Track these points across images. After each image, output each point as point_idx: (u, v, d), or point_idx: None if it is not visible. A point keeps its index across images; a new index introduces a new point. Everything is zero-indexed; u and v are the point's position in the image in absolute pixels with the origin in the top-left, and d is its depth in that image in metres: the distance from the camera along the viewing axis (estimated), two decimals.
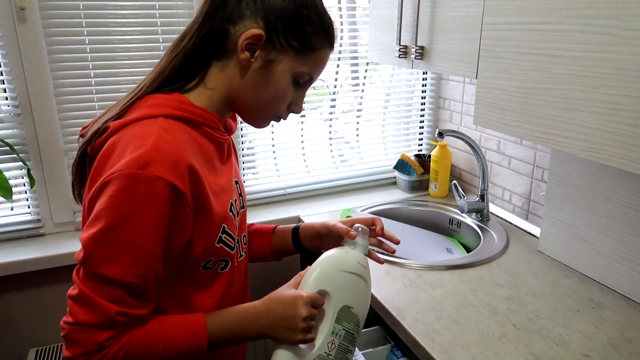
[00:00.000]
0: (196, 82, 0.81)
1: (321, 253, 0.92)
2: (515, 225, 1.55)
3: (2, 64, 1.36)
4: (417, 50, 1.35)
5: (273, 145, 1.82)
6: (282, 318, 0.79)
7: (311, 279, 0.85)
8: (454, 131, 1.49)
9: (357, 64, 1.86)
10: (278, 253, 1.08)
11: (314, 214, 1.69)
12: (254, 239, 1.07)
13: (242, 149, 1.75)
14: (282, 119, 0.88)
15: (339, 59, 1.84)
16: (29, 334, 1.50)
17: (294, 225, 1.08)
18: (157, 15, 1.46)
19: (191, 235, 0.76)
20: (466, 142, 1.51)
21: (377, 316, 1.18)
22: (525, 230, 1.52)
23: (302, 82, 0.83)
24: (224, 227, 0.82)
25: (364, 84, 1.92)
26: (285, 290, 0.84)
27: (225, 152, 0.88)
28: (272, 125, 1.78)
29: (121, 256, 0.68)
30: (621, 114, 0.82)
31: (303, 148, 1.88)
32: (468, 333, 1.03)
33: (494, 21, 1.07)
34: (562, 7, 0.90)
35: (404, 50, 1.41)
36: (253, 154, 1.80)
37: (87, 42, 1.41)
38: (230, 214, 0.84)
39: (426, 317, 1.09)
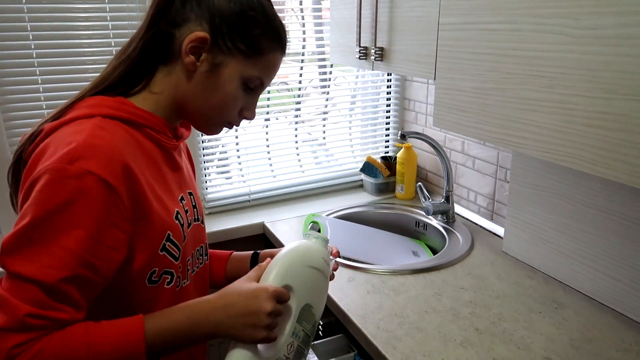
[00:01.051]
0: (141, 87, 0.78)
1: None
2: (481, 226, 1.55)
3: None
4: (377, 52, 1.33)
5: (237, 150, 1.78)
6: (243, 313, 0.71)
7: (274, 272, 0.77)
8: (416, 133, 1.48)
9: (324, 66, 1.83)
10: (233, 280, 1.02)
11: (280, 219, 1.65)
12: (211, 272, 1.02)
13: (203, 155, 1.70)
14: (234, 126, 0.84)
15: (302, 60, 1.81)
16: None
17: (253, 251, 1.03)
18: (109, 19, 1.40)
19: (131, 241, 0.71)
20: (429, 143, 1.50)
21: (340, 324, 1.15)
22: (490, 231, 1.51)
23: (253, 87, 0.80)
24: (168, 235, 0.76)
25: (329, 85, 1.89)
26: (245, 283, 0.76)
27: (175, 160, 0.84)
28: (236, 130, 1.73)
29: (41, 255, 0.62)
30: (575, 113, 0.81)
31: (269, 152, 1.84)
32: (430, 339, 1.01)
33: (450, 21, 1.05)
34: (515, 7, 0.88)
35: (364, 51, 1.39)
36: (211, 160, 1.75)
37: (33, 46, 1.34)
38: (177, 222, 0.79)
39: (389, 324, 1.06)
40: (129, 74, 0.77)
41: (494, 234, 1.49)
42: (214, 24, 0.74)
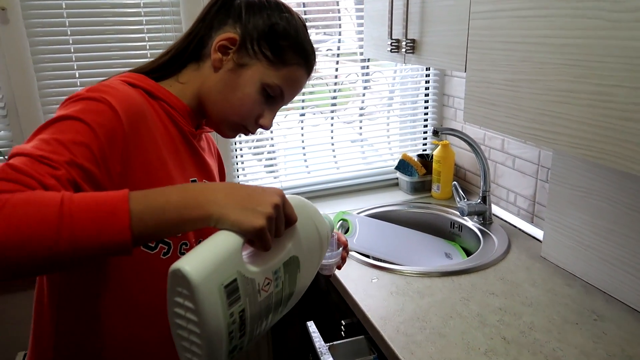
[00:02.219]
0: (170, 76, 0.83)
1: None
2: (519, 229, 1.46)
3: None
4: (408, 44, 1.27)
5: (272, 145, 1.77)
6: (244, 197, 0.60)
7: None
8: (451, 129, 1.41)
9: (364, 60, 1.80)
10: None
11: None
12: None
13: (235, 150, 1.70)
14: (250, 132, 0.86)
15: (337, 54, 1.78)
16: (17, 337, 1.49)
17: None
18: (142, 14, 1.43)
19: (124, 186, 0.68)
20: (465, 140, 1.43)
21: (361, 325, 1.11)
22: (529, 234, 1.42)
23: (272, 96, 0.82)
24: None
25: (366, 80, 1.85)
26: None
27: (194, 147, 0.84)
28: (272, 131, 1.73)
29: (40, 139, 0.62)
30: (612, 106, 0.73)
31: (303, 148, 1.82)
32: (452, 346, 0.95)
33: (481, 9, 0.99)
34: None
35: (395, 44, 1.34)
36: (246, 154, 1.76)
37: (70, 41, 1.39)
38: None
39: (409, 327, 1.02)
40: (164, 65, 0.82)
41: (534, 237, 1.40)
42: (246, 30, 0.79)
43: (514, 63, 0.92)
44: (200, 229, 0.59)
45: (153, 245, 0.75)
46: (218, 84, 0.80)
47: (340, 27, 1.73)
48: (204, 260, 0.56)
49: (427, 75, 1.84)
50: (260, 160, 1.80)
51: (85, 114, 0.65)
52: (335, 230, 0.88)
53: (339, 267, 0.94)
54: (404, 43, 1.29)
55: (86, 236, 0.52)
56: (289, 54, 0.80)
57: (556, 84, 0.83)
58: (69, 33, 1.38)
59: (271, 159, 1.79)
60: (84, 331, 0.74)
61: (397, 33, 1.34)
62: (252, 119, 0.83)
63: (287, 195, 0.65)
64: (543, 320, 1.03)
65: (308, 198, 1.79)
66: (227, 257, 0.57)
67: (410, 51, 1.28)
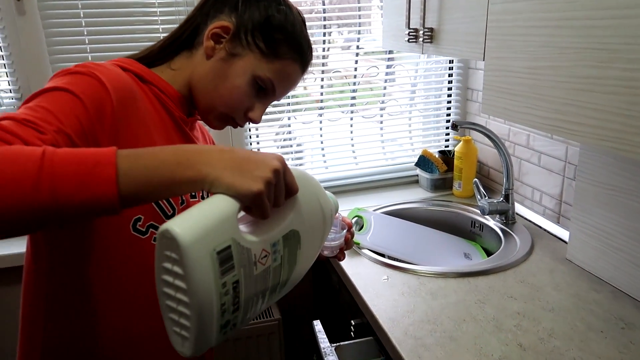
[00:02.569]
0: (162, 62, 0.81)
1: None
2: (544, 229, 1.38)
3: (4, 57, 1.36)
4: (426, 33, 1.22)
5: (290, 140, 1.74)
6: (242, 160, 0.55)
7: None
8: (471, 123, 1.34)
9: (387, 51, 1.75)
10: None
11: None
12: None
13: (250, 143, 1.67)
14: (238, 125, 0.83)
15: (357, 47, 1.73)
16: None
17: None
18: (156, 5, 1.42)
19: None
20: (486, 134, 1.35)
21: (370, 326, 1.07)
22: (554, 235, 1.34)
23: (263, 90, 0.79)
24: None
25: (387, 73, 1.79)
26: None
27: (186, 133, 0.82)
28: (289, 119, 1.69)
29: (28, 107, 0.60)
30: None
31: (322, 142, 1.78)
32: (463, 351, 0.89)
33: None
34: None
35: (413, 33, 1.28)
36: (261, 148, 1.73)
37: (85, 32, 1.39)
38: None
39: (419, 330, 0.96)
40: (156, 51, 0.81)
41: (559, 239, 1.32)
42: (241, 20, 0.77)
43: (534, 49, 0.85)
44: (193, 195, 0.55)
45: (144, 230, 0.72)
46: (209, 73, 0.78)
47: (370, 24, 1.69)
48: (197, 222, 0.51)
49: (450, 69, 1.77)
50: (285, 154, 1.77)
51: (74, 86, 0.64)
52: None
53: (343, 251, 0.90)
54: (421, 32, 1.23)
55: (68, 187, 0.48)
56: (283, 47, 0.78)
57: (579, 70, 0.76)
58: (83, 24, 1.38)
59: (287, 152, 1.76)
60: (74, 324, 0.72)
61: (415, 22, 1.28)
62: (240, 111, 0.80)
63: (289, 166, 0.60)
64: (565, 327, 0.96)
65: None
66: (221, 221, 0.52)
67: (428, 40, 1.22)
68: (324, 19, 1.65)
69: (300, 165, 1.78)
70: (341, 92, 1.78)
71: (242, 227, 0.57)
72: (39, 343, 0.73)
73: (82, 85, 0.64)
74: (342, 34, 1.75)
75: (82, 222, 0.53)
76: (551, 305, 1.03)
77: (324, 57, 1.67)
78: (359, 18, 1.67)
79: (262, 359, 1.65)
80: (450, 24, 1.14)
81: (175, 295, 0.51)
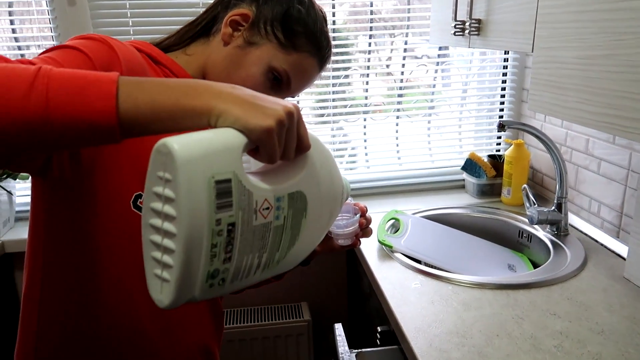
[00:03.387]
0: (177, 49, 0.80)
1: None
2: (601, 244, 1.25)
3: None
4: (473, 24, 1.13)
5: (333, 136, 1.70)
6: (254, 96, 0.51)
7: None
8: (519, 123, 1.24)
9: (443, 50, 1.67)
10: None
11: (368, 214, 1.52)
12: None
13: None
14: None
15: (405, 49, 1.66)
16: None
17: None
18: (201, 5, 1.43)
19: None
20: (537, 136, 1.24)
21: (394, 334, 1.00)
22: (612, 251, 1.21)
23: (279, 81, 0.77)
24: None
25: (437, 70, 1.71)
26: None
27: None
28: (333, 121, 1.65)
29: (36, 58, 0.59)
30: None
31: (365, 140, 1.73)
32: None
33: None
34: None
35: (460, 26, 1.20)
36: None
37: (130, 23, 1.42)
38: None
39: (445, 342, 0.88)
40: (173, 37, 0.80)
41: (617, 254, 1.19)
42: (262, 10, 0.75)
43: (588, 36, 0.76)
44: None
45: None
46: (224, 60, 0.76)
47: (409, 9, 1.62)
48: (198, 143, 0.46)
49: (505, 67, 1.66)
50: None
51: (87, 48, 0.63)
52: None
53: (359, 237, 0.84)
54: (468, 24, 1.15)
55: (63, 96, 0.46)
56: (301, 39, 0.76)
57: (638, 58, 0.66)
58: (129, 15, 1.42)
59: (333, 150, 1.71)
60: (70, 276, 0.70)
61: (462, 14, 1.20)
62: None
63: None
64: (614, 352, 0.84)
65: (364, 194, 1.71)
66: (224, 150, 0.47)
67: (475, 32, 1.14)
68: (371, 20, 1.61)
69: (352, 165, 1.73)
70: (388, 95, 1.71)
71: (246, 171, 0.52)
72: (37, 294, 0.71)
73: (94, 48, 0.63)
74: (394, 37, 1.69)
75: (77, 148, 0.49)
76: (601, 327, 0.92)
77: (382, 59, 1.62)
78: (408, 20, 1.61)
79: None
80: (499, 14, 1.05)
81: (162, 226, 0.46)
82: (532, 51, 0.92)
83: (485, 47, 1.13)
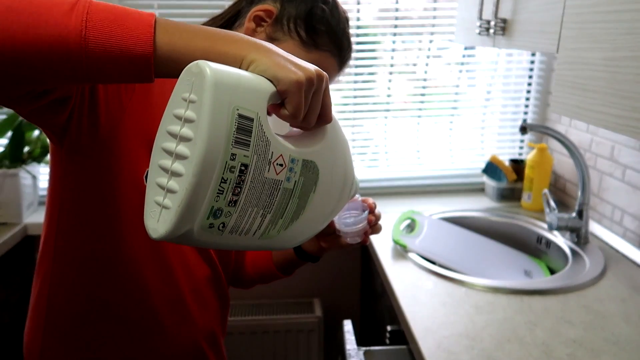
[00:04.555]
0: None
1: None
2: (622, 254, 1.21)
3: None
4: (499, 24, 1.11)
5: (352, 133, 1.69)
6: (288, 55, 0.53)
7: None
8: (542, 126, 1.22)
9: (468, 51, 1.65)
10: (282, 267, 0.93)
11: (383, 213, 1.51)
12: (257, 260, 0.96)
13: None
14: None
15: (429, 49, 1.64)
16: None
17: None
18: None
19: (123, 121, 0.67)
20: (559, 140, 1.22)
21: (403, 334, 0.99)
22: (633, 261, 1.17)
23: None
24: None
25: (461, 71, 1.69)
26: None
27: None
28: (354, 119, 1.65)
29: None
30: None
31: (385, 139, 1.72)
32: None
33: None
34: None
35: (485, 25, 1.18)
36: None
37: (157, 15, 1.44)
38: None
39: (454, 345, 0.87)
40: None
41: (639, 265, 1.16)
42: (286, 7, 0.76)
43: (615, 37, 0.74)
44: None
45: None
46: None
47: (435, 8, 1.60)
48: (230, 74, 0.47)
49: (531, 70, 1.63)
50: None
51: None
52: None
53: (368, 234, 0.82)
54: (493, 23, 1.13)
55: (104, 24, 0.46)
56: (323, 38, 0.77)
57: None
58: (156, 6, 1.43)
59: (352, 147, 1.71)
60: (83, 281, 0.72)
61: (488, 13, 1.18)
62: None
63: None
64: None
65: (382, 194, 1.70)
66: (253, 89, 0.48)
67: (500, 32, 1.12)
68: (395, 19, 1.59)
69: (372, 163, 1.73)
70: (412, 94, 1.70)
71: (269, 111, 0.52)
72: (49, 266, 0.73)
73: None
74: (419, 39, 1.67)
75: (106, 79, 0.49)
76: (616, 337, 0.89)
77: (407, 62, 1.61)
78: (434, 18, 1.59)
79: (301, 356, 1.61)
80: (525, 13, 1.03)
81: (175, 149, 0.46)
82: (557, 52, 0.89)
83: (510, 47, 1.11)
